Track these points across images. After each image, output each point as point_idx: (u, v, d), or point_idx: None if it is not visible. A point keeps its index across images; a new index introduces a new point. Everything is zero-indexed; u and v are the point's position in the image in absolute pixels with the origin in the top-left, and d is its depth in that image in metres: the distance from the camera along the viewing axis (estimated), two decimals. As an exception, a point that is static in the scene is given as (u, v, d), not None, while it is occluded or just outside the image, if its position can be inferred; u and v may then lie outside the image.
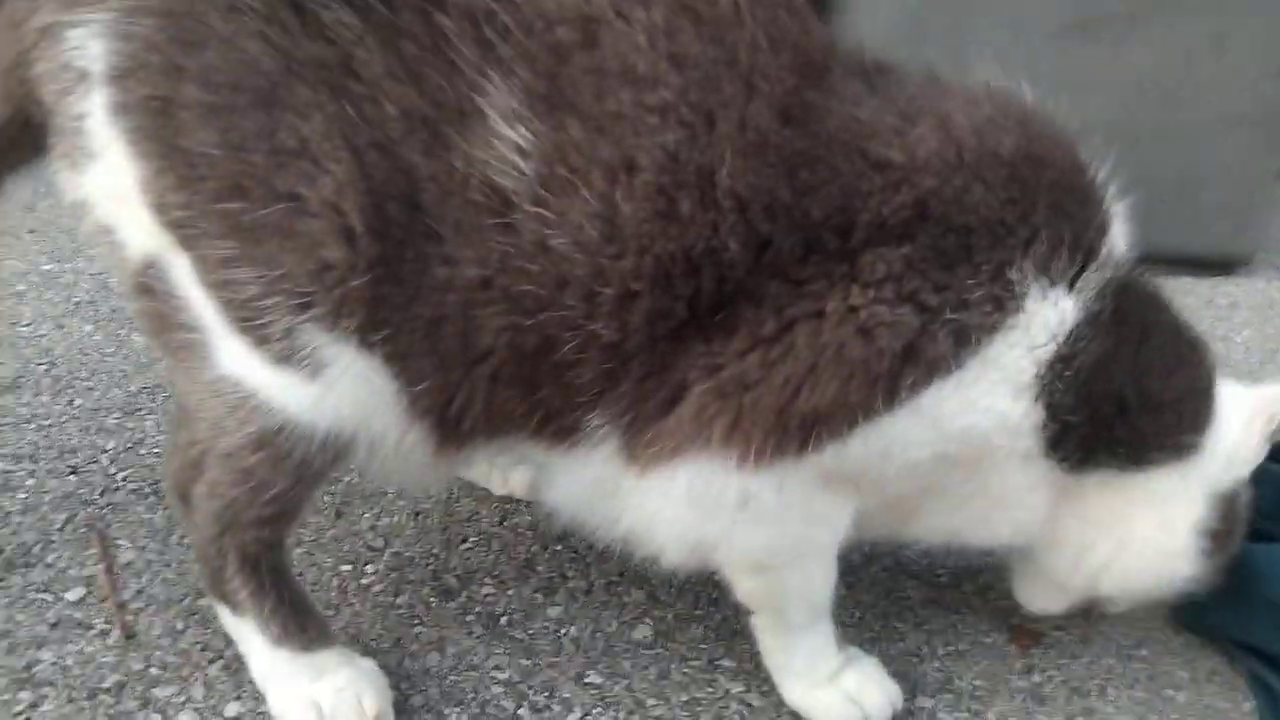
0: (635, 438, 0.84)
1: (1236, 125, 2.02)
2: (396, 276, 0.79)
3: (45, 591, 1.08)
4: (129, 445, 1.31)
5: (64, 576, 1.10)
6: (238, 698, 0.97)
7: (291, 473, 0.86)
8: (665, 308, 0.79)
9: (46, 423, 1.35)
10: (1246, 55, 1.96)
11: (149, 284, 0.85)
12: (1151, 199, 2.33)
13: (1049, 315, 0.82)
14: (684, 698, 1.01)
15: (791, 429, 0.80)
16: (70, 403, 1.39)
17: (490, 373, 0.82)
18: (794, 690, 1.00)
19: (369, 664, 0.97)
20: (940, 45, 1.96)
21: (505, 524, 1.24)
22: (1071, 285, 0.83)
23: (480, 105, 0.76)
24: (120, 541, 1.14)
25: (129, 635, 1.03)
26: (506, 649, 1.06)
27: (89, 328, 1.59)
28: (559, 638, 1.08)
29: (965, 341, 0.80)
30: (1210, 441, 0.92)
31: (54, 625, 1.04)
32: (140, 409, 1.38)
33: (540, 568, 1.17)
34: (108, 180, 0.81)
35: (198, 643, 1.02)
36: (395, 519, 1.23)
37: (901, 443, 0.83)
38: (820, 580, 0.96)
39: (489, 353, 0.81)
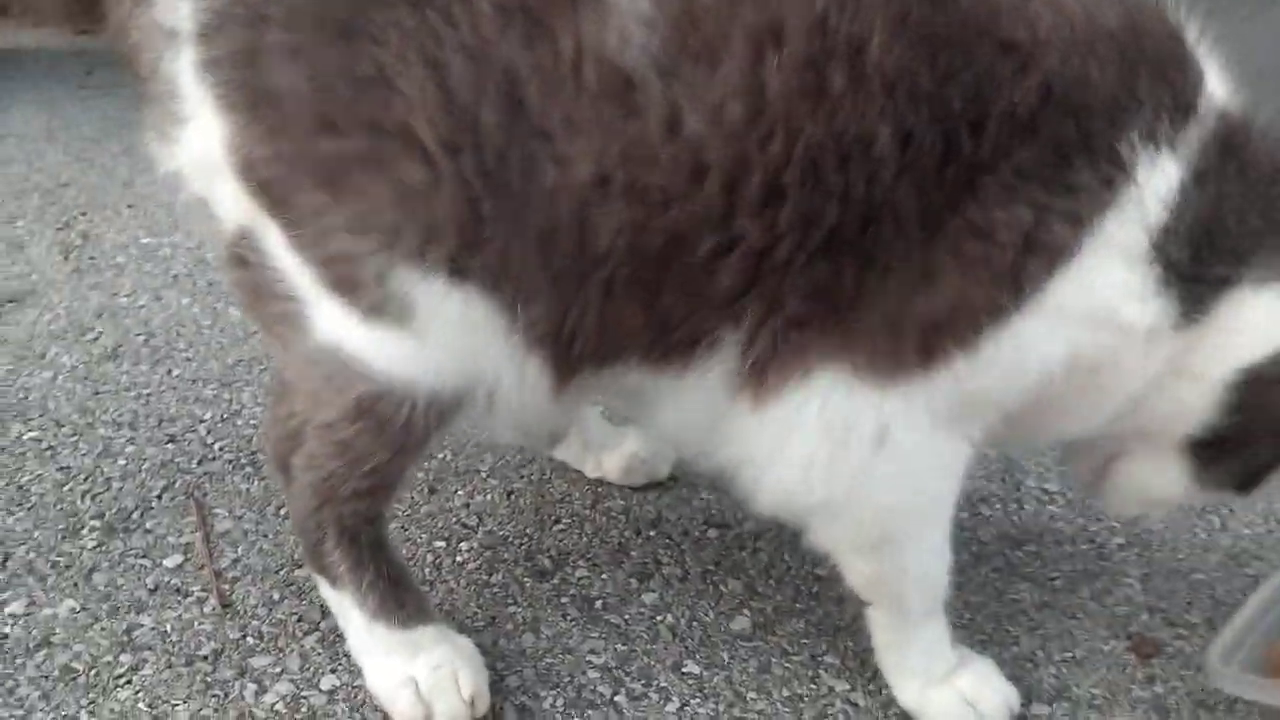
0: (762, 361, 0.79)
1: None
2: (498, 187, 0.74)
3: (144, 557, 1.09)
4: (225, 416, 1.31)
5: (163, 543, 1.10)
6: (333, 670, 0.96)
7: (392, 442, 0.84)
8: (816, 208, 0.73)
9: (146, 391, 1.37)
10: None
11: (243, 255, 0.84)
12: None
13: (1158, 182, 0.78)
14: (785, 693, 0.98)
15: (909, 340, 0.77)
16: (169, 372, 1.41)
17: (606, 281, 0.77)
18: (908, 689, 0.96)
19: (466, 642, 0.95)
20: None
21: (597, 508, 1.21)
22: (1175, 148, 0.78)
23: None
24: (217, 510, 1.15)
25: (225, 604, 1.02)
26: (602, 633, 1.03)
27: (186, 300, 1.60)
28: (655, 625, 1.05)
29: (1081, 225, 0.76)
30: None
31: (153, 590, 1.04)
32: (236, 381, 1.39)
33: (634, 553, 1.14)
34: (199, 145, 0.81)
35: (294, 614, 1.02)
36: (488, 497, 1.21)
37: (1033, 345, 0.79)
38: (939, 557, 0.92)
39: (605, 258, 0.76)
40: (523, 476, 1.25)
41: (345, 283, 0.79)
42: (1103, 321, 0.80)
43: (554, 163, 0.73)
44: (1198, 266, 0.81)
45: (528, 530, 1.16)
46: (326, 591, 0.94)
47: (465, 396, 0.83)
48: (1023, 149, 0.75)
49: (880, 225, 0.75)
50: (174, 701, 0.92)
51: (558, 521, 1.18)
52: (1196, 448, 0.88)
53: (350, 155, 0.76)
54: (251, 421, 1.30)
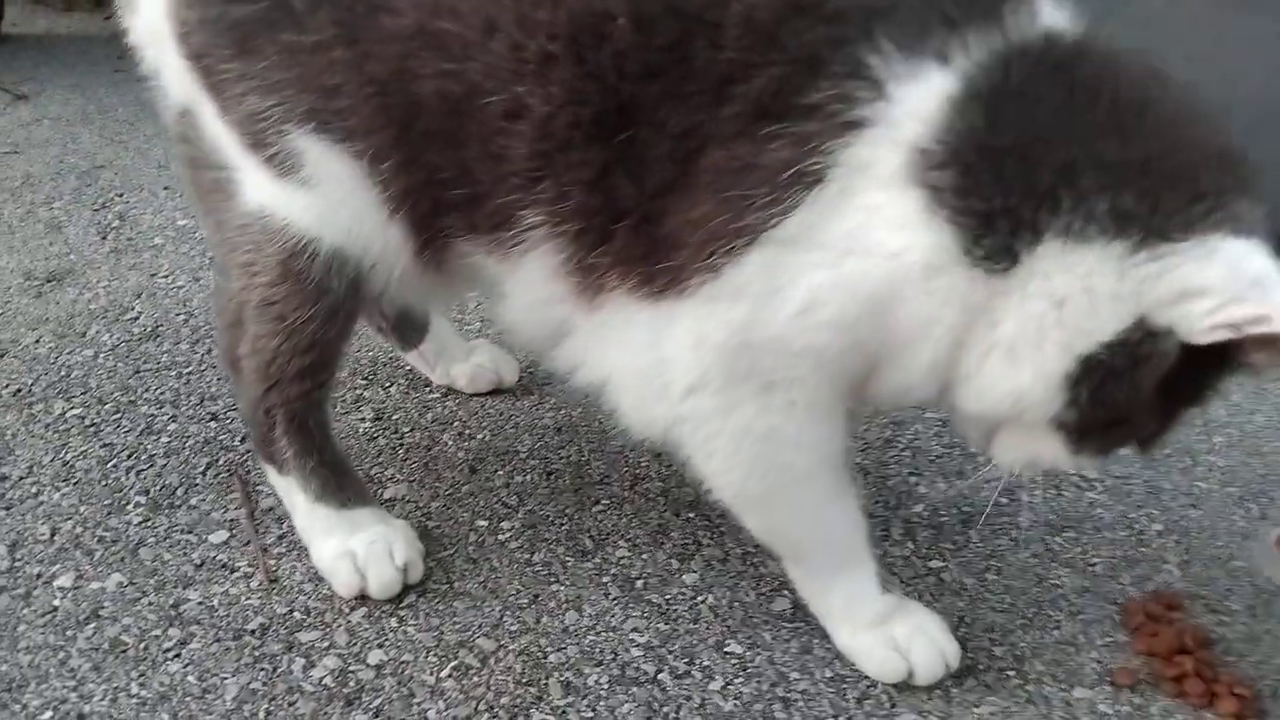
0: (583, 260, 0.84)
1: None
2: (347, 40, 0.85)
3: (190, 533, 1.10)
4: (265, 395, 1.32)
5: (208, 519, 1.11)
6: (380, 645, 0.97)
7: (316, 302, 0.94)
8: (580, 85, 0.79)
9: (187, 370, 1.38)
10: None
11: (185, 132, 0.99)
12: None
13: (918, 97, 0.74)
14: (829, 674, 0.98)
15: (658, 256, 0.80)
16: (209, 351, 1.42)
17: (426, 132, 0.86)
18: (840, 633, 0.98)
19: (401, 523, 1.06)
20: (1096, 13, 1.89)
21: (636, 489, 1.21)
22: (947, 60, 0.75)
23: None
24: (261, 487, 1.15)
25: (272, 579, 1.03)
26: (644, 613, 1.03)
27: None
28: (696, 605, 1.05)
29: (827, 145, 0.75)
30: (1176, 255, 0.73)
31: (199, 566, 1.05)
32: (275, 360, 1.39)
33: (674, 534, 1.15)
34: (149, 13, 0.96)
35: (340, 589, 1.03)
36: (528, 477, 1.21)
37: (798, 269, 0.77)
38: (829, 518, 0.94)
39: (422, 106, 0.85)
40: (562, 458, 1.25)
41: (258, 141, 0.91)
42: (864, 249, 0.76)
43: (388, 12, 0.83)
44: (983, 200, 0.74)
45: (568, 510, 1.17)
46: (274, 479, 1.05)
47: (362, 258, 0.93)
48: (767, 62, 0.75)
49: (640, 129, 0.78)
50: (222, 675, 0.93)
51: (597, 502, 1.19)
52: (1062, 427, 0.81)
53: (251, 19, 0.87)
54: (292, 401, 1.31)
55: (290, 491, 1.04)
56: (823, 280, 0.78)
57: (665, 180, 0.79)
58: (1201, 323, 0.72)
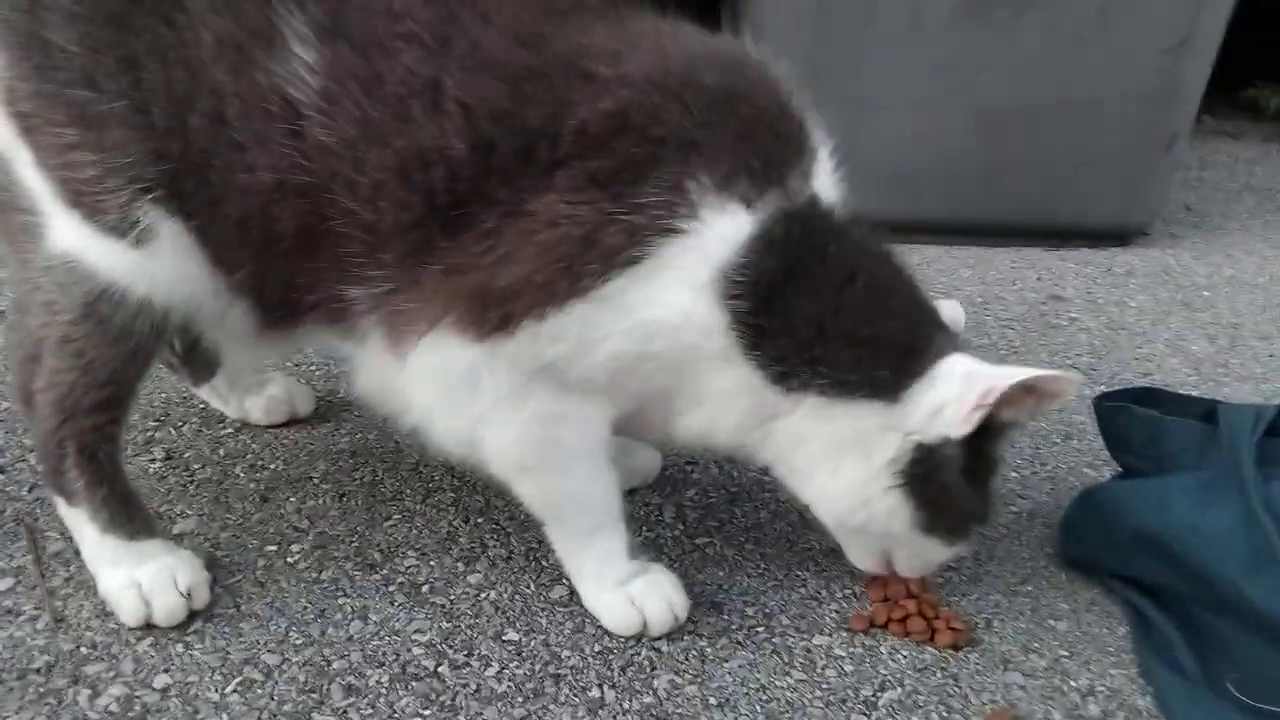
0: (393, 321, 0.97)
1: (1126, 100, 2.13)
2: (204, 179, 0.94)
3: (-25, 584, 1.11)
4: (56, 444, 1.33)
5: (-7, 569, 1.13)
6: (166, 670, 1.01)
7: (118, 343, 0.99)
8: (405, 198, 0.93)
9: (-28, 427, 1.38)
10: (1133, 31, 2.07)
11: None
12: (1049, 174, 2.46)
13: (725, 227, 0.93)
14: (597, 649, 1.07)
15: (492, 305, 0.93)
16: (-4, 406, 1.42)
17: (284, 252, 0.97)
18: (587, 591, 1.12)
19: (188, 552, 1.12)
20: (843, 29, 2.07)
21: (428, 501, 1.29)
22: (750, 205, 0.93)
23: (281, 29, 0.92)
24: (49, 533, 1.17)
25: (58, 620, 1.06)
26: (428, 614, 1.11)
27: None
28: (479, 601, 1.13)
29: (638, 239, 0.91)
30: (916, 394, 0.99)
31: (-16, 615, 1.07)
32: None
33: (462, 539, 1.23)
34: None
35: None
36: (320, 501, 1.27)
37: (598, 332, 0.94)
38: (590, 487, 1.07)
39: (283, 239, 0.96)
40: (355, 479, 1.32)
41: (89, 203, 0.95)
42: (667, 334, 0.95)
43: (245, 170, 0.94)
44: (768, 334, 0.96)
45: (358, 528, 1.23)
46: (63, 510, 1.09)
47: (181, 316, 1.02)
48: (596, 159, 0.91)
49: (469, 208, 0.93)
50: (5, 714, 0.95)
51: (388, 518, 1.25)
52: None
53: (104, 110, 0.93)
54: (83, 447, 1.32)
55: (79, 523, 1.08)
56: (624, 345, 0.95)
57: (499, 249, 0.93)
58: (957, 420, 0.98)
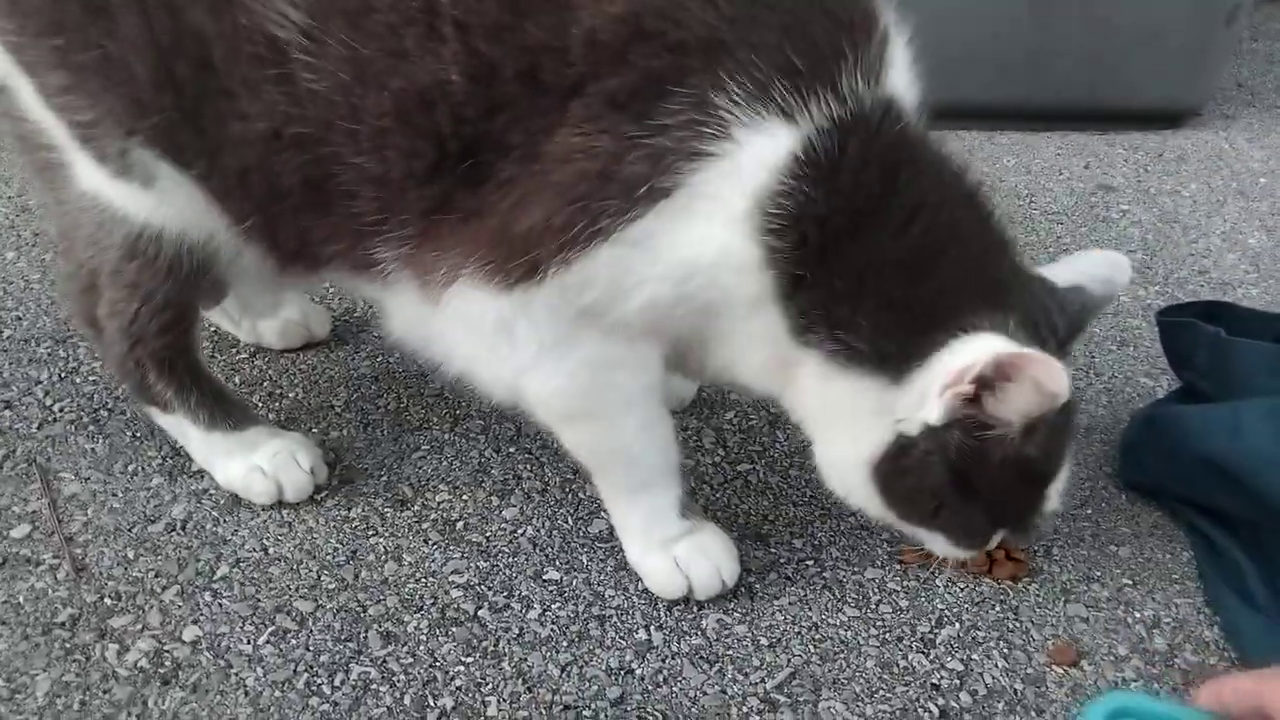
0: (423, 273, 0.90)
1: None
2: (199, 129, 0.88)
3: (-10, 530, 1.07)
4: (63, 374, 1.27)
5: (7, 514, 1.08)
6: (195, 621, 0.97)
7: (168, 275, 0.98)
8: (411, 145, 0.83)
9: (-25, 357, 1.31)
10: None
11: (5, 108, 0.96)
12: (1100, 52, 2.30)
13: (763, 146, 0.78)
14: (641, 587, 1.03)
15: (515, 252, 0.83)
16: (-2, 335, 1.35)
17: (293, 207, 0.90)
18: (632, 549, 1.04)
19: (298, 434, 1.13)
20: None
21: (456, 429, 1.23)
22: (791, 118, 0.78)
23: None
24: (62, 474, 1.12)
25: (79, 569, 1.02)
26: (464, 553, 1.06)
27: (11, 254, 1.53)
28: (516, 538, 1.08)
29: (662, 167, 0.78)
30: (917, 377, 0.84)
31: (1, 564, 1.03)
32: (72, 336, 1.34)
33: (494, 471, 1.17)
34: None
35: (151, 570, 1.02)
36: (344, 431, 1.21)
37: (631, 277, 0.83)
38: (644, 439, 0.97)
39: (289, 192, 0.89)
40: (379, 407, 1.26)
41: (93, 147, 0.92)
42: (704, 272, 0.82)
43: (239, 119, 0.86)
44: (805, 282, 0.82)
45: (386, 460, 1.18)
46: (160, 419, 1.10)
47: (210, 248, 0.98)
48: (612, 76, 0.78)
49: (483, 155, 0.82)
50: (32, 672, 0.92)
51: (417, 449, 1.20)
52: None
53: (81, 60, 0.88)
54: (91, 378, 1.26)
55: (181, 427, 1.09)
56: (660, 289, 0.83)
57: (516, 193, 0.82)
58: (932, 404, 0.81)
